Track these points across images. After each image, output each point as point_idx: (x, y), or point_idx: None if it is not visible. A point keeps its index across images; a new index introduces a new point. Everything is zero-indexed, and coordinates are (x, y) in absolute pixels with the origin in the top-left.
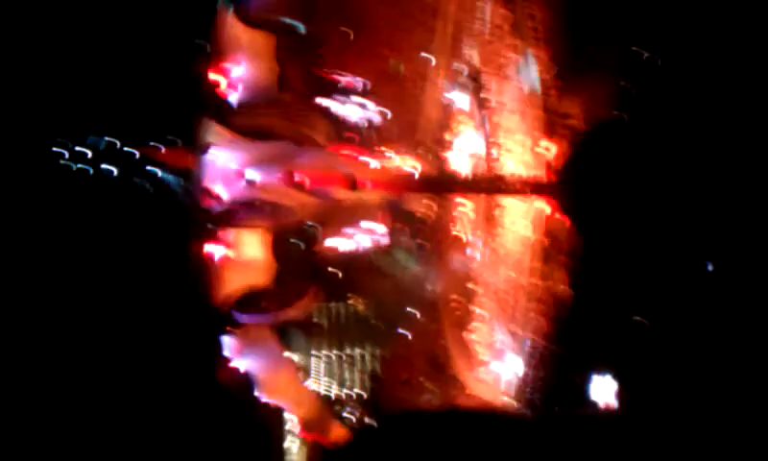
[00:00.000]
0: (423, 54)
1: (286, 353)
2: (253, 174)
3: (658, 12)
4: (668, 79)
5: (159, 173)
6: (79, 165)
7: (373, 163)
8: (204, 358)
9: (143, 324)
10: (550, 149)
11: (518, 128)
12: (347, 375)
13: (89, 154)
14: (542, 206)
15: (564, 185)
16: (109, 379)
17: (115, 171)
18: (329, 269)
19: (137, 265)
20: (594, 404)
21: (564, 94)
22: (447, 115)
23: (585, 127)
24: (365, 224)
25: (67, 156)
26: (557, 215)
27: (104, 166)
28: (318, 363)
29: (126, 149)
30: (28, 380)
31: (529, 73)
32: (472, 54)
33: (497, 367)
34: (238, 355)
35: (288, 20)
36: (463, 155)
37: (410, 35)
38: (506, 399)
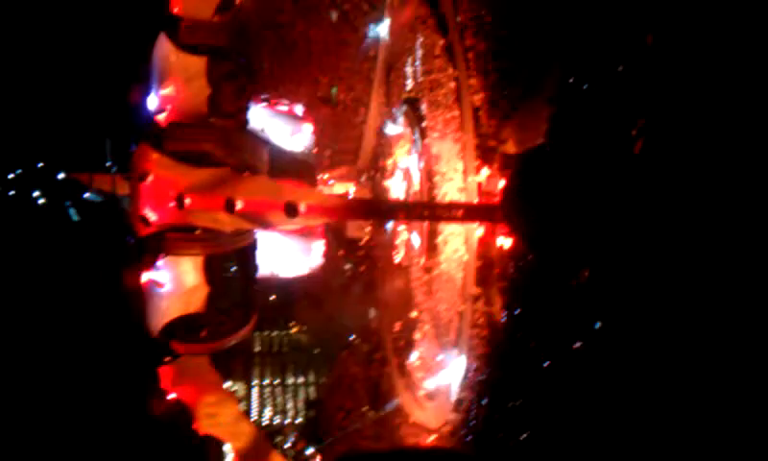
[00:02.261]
0: (361, 81)
1: (224, 384)
2: (189, 200)
3: (591, 37)
4: (600, 100)
5: (91, 199)
6: (8, 192)
7: (312, 190)
8: (139, 390)
9: (74, 355)
10: (486, 174)
11: (455, 153)
12: (286, 403)
13: (19, 180)
14: (480, 230)
15: (499, 210)
16: (40, 411)
17: (45, 197)
18: (268, 296)
19: (68, 294)
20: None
21: (499, 119)
22: (385, 142)
23: (519, 151)
24: (303, 251)
25: None
26: (494, 239)
27: (34, 193)
28: (257, 392)
29: (57, 175)
30: None
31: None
32: (409, 81)
33: (438, 392)
34: (174, 387)
35: (222, 45)
36: (401, 181)
37: (347, 62)
38: (448, 425)
